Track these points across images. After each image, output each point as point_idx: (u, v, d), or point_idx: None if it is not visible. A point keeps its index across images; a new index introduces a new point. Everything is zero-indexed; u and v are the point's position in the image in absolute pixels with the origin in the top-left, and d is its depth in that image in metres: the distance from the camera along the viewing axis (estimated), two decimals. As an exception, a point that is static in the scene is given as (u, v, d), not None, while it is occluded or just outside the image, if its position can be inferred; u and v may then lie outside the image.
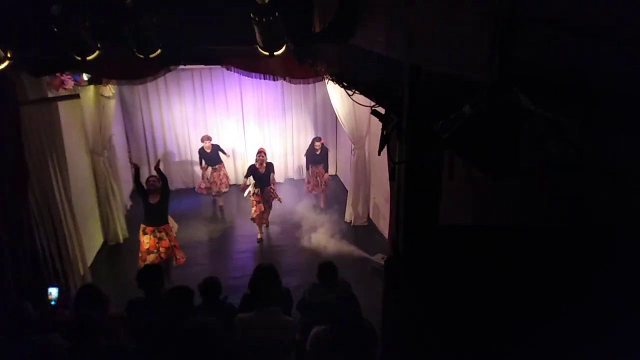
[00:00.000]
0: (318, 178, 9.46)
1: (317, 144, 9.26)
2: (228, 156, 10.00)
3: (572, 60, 1.00)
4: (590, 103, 0.96)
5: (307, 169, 9.61)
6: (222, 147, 9.75)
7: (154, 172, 6.87)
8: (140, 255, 6.56)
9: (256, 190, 8.30)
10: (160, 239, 6.53)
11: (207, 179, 9.49)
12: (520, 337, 1.44)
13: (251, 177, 8.34)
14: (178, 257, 6.72)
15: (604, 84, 0.92)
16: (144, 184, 6.62)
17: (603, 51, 0.91)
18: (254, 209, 8.25)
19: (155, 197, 6.48)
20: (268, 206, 8.45)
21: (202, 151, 9.44)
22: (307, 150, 9.60)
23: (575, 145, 1.07)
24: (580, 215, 1.90)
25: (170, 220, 6.89)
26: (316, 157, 9.36)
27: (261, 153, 8.37)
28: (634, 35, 0.82)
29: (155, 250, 6.47)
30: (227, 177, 9.79)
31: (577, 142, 1.08)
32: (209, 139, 9.44)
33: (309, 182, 9.63)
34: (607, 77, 0.92)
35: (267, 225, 8.77)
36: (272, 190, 8.45)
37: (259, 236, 8.43)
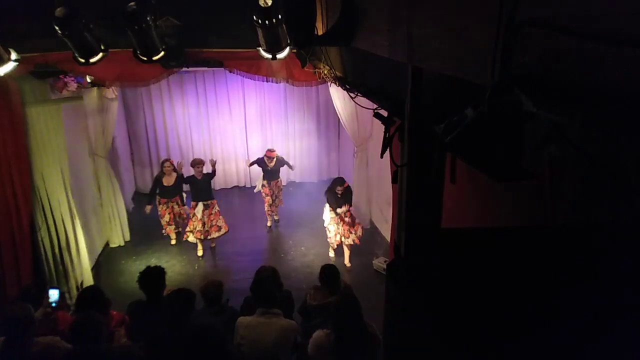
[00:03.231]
0: (343, 226, 7.40)
1: (340, 188, 7.30)
2: (213, 161, 8.10)
3: (574, 62, 0.99)
4: (592, 104, 0.96)
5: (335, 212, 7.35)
6: (226, 155, 9.15)
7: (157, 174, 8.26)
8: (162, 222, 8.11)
9: (264, 182, 8.72)
10: (172, 207, 8.00)
11: (199, 218, 7.62)
12: (525, 340, 1.43)
13: (261, 177, 8.76)
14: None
15: (606, 85, 0.92)
16: (159, 168, 8.14)
17: (604, 52, 0.91)
18: (266, 199, 8.87)
19: (170, 179, 7.81)
20: (275, 198, 8.87)
21: (192, 180, 7.69)
22: (327, 191, 7.54)
23: (577, 147, 1.07)
24: (582, 215, 1.90)
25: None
26: (339, 199, 7.36)
27: (271, 158, 8.61)
28: (635, 36, 0.82)
29: (167, 217, 8.01)
30: (219, 218, 7.87)
31: (579, 143, 1.08)
32: (201, 163, 7.72)
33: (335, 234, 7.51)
34: (609, 78, 0.91)
35: (278, 220, 9.13)
36: (279, 186, 8.86)
37: (268, 224, 9.05)
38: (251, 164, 8.88)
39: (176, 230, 8.25)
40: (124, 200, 8.50)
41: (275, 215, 9.13)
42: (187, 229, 7.76)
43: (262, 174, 8.83)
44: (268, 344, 3.70)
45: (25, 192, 5.43)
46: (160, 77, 5.58)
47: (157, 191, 7.95)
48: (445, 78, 1.70)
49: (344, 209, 7.34)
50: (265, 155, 8.72)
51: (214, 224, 7.78)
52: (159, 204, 7.96)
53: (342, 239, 7.43)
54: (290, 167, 9.18)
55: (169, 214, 8.04)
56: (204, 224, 7.66)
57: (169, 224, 8.10)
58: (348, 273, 7.19)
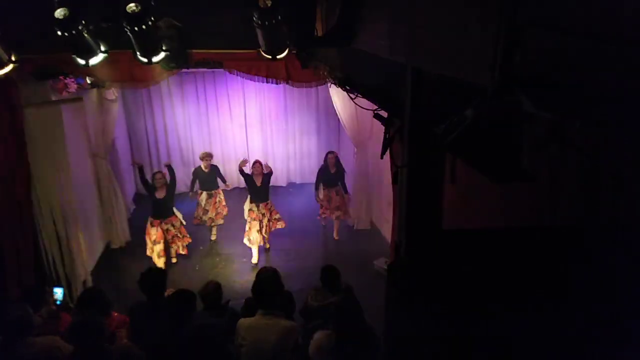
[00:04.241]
0: (331, 202, 8.15)
1: (331, 156, 8.02)
2: (228, 185, 8.45)
3: (573, 62, 0.99)
4: (592, 105, 0.96)
5: (316, 188, 8.25)
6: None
7: (160, 169, 7.92)
8: (148, 246, 7.21)
9: (251, 206, 7.56)
10: (166, 230, 7.21)
11: (202, 206, 8.14)
12: (526, 341, 1.43)
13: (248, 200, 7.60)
14: (180, 247, 7.43)
15: (605, 85, 0.92)
16: (150, 180, 7.25)
17: (604, 53, 0.91)
18: (247, 226, 7.58)
19: (162, 192, 7.11)
20: (266, 223, 7.60)
21: (198, 171, 8.13)
22: (320, 168, 8.37)
23: (577, 147, 1.07)
24: (581, 215, 1.90)
25: (175, 212, 7.43)
26: (330, 175, 8.08)
27: (257, 164, 7.56)
28: (634, 36, 0.82)
29: (162, 241, 7.11)
30: (223, 206, 8.36)
31: (579, 143, 1.08)
32: (210, 156, 8.13)
33: (321, 207, 8.30)
34: (608, 79, 0.91)
35: (268, 248, 7.99)
36: (270, 209, 7.65)
37: (253, 260, 7.65)
38: (241, 169, 7.46)
39: (164, 256, 7.22)
40: (124, 201, 8.50)
41: (263, 243, 7.85)
42: (195, 214, 8.21)
43: (248, 196, 7.63)
44: (269, 345, 3.70)
45: (25, 193, 5.42)
46: (160, 78, 5.59)
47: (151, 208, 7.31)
48: (445, 79, 1.70)
49: (333, 190, 8.08)
50: (252, 167, 7.61)
51: (218, 211, 8.24)
52: (151, 225, 7.16)
53: (330, 213, 8.23)
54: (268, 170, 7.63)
55: (157, 232, 7.14)
56: (206, 212, 8.12)
57: (155, 242, 7.13)
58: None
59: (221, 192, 8.30)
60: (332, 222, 8.47)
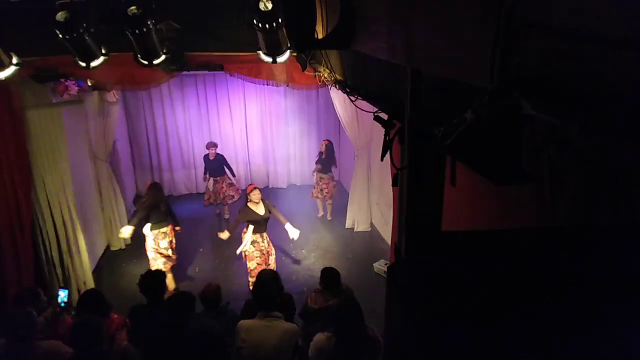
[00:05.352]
0: (323, 185, 9.07)
1: (321, 143, 9.03)
2: (234, 176, 9.26)
3: (573, 64, 1.00)
4: (591, 107, 0.96)
5: (316, 164, 9.15)
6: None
7: (156, 180, 8.20)
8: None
9: (254, 237, 6.30)
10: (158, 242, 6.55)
11: (210, 190, 9.04)
12: (527, 342, 1.43)
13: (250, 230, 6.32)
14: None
15: (605, 87, 0.92)
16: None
17: (603, 55, 0.91)
18: (252, 262, 6.37)
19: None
20: (268, 257, 6.51)
21: (206, 159, 9.04)
22: (318, 154, 9.28)
23: (576, 149, 1.07)
24: (581, 217, 1.90)
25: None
26: (322, 161, 8.95)
27: (255, 190, 6.29)
28: (633, 38, 0.82)
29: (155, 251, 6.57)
30: (230, 188, 9.06)
31: (578, 145, 1.08)
32: (214, 145, 8.93)
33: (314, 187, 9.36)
34: (608, 81, 0.92)
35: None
36: (267, 239, 6.50)
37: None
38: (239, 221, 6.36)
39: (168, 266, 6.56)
40: (124, 203, 8.50)
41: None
42: (205, 197, 9.17)
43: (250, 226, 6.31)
44: (269, 347, 3.70)
45: (26, 195, 5.43)
46: (161, 81, 5.60)
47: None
48: (445, 81, 1.70)
49: (325, 176, 8.94)
50: (248, 194, 6.32)
51: (226, 194, 8.99)
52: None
53: (323, 195, 9.11)
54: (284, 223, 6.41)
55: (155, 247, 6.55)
56: (216, 194, 8.94)
57: (154, 259, 6.56)
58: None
59: (227, 178, 9.01)
60: (326, 208, 9.42)
